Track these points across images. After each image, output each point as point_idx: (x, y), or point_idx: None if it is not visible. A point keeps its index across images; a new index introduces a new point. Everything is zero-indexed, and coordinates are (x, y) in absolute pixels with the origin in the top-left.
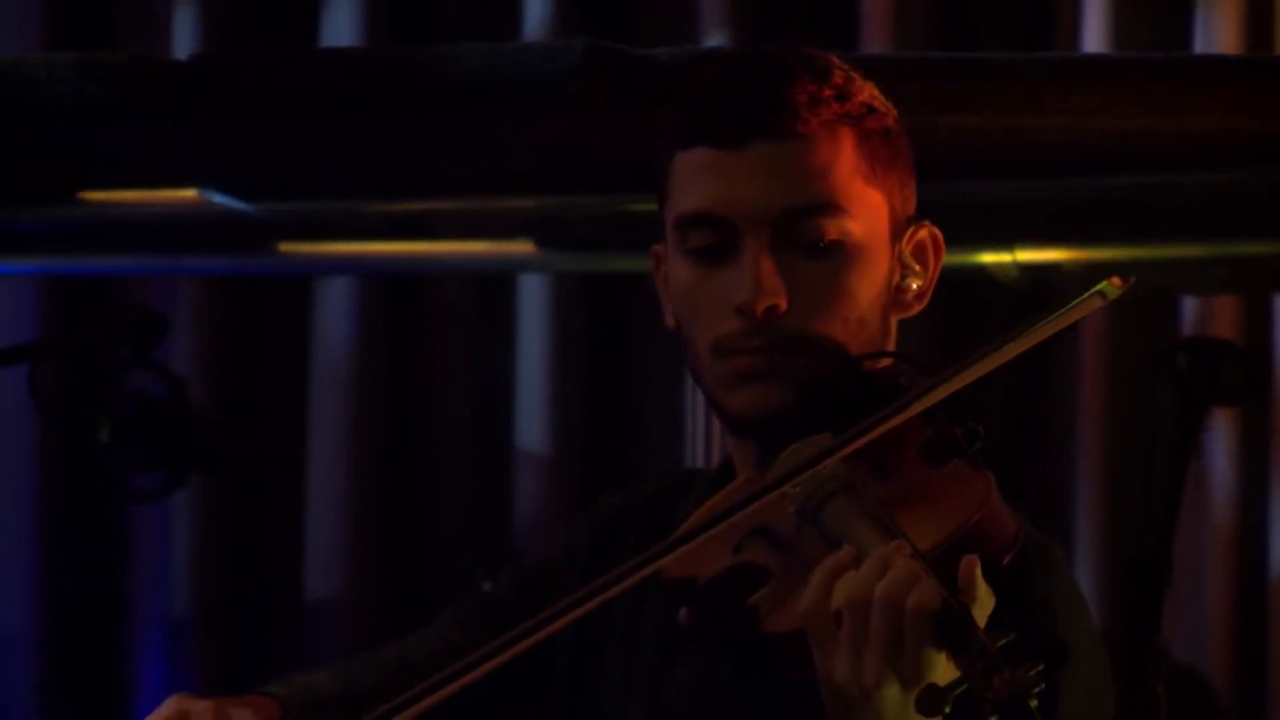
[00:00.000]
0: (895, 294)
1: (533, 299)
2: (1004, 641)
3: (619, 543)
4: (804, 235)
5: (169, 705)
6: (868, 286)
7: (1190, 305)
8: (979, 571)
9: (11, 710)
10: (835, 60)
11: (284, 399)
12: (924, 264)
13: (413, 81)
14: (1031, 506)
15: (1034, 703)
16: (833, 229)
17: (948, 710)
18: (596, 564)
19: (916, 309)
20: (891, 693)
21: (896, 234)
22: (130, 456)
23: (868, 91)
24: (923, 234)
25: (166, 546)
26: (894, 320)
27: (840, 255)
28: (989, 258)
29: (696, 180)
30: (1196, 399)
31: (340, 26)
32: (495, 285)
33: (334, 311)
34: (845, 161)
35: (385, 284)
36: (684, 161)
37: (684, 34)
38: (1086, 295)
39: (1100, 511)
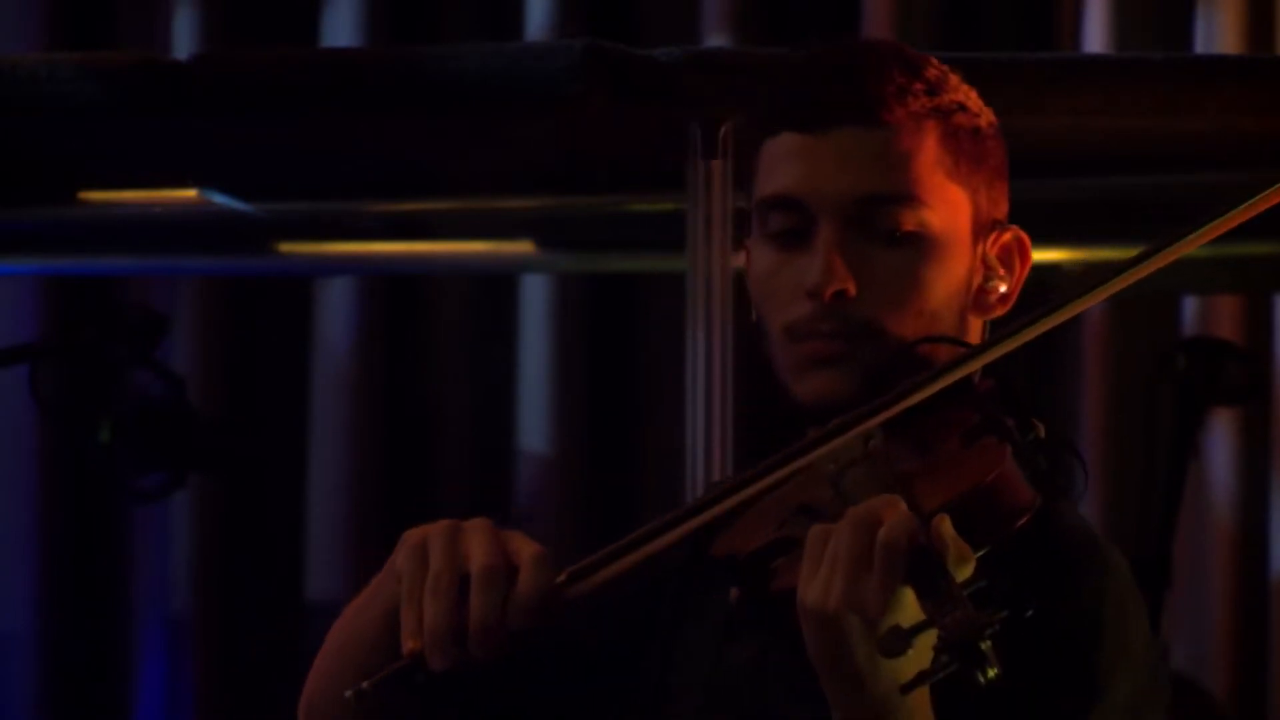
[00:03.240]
0: (977, 295)
1: (533, 299)
2: (973, 589)
3: None
4: (881, 224)
5: (439, 525)
6: (943, 281)
7: (1190, 305)
8: (949, 527)
9: (11, 710)
10: (933, 60)
11: (284, 399)
12: (1009, 268)
13: (413, 81)
14: None
15: (986, 644)
16: (910, 219)
17: (911, 652)
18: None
19: (1000, 311)
20: (857, 622)
21: (980, 234)
22: (130, 456)
23: (962, 91)
24: (1008, 237)
25: (166, 546)
26: (976, 322)
27: (917, 246)
28: None
29: (780, 165)
30: (1196, 399)
31: (340, 26)
32: (495, 285)
33: (334, 311)
34: (928, 154)
35: (385, 284)
36: (771, 148)
37: (685, 34)
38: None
39: (1100, 511)
